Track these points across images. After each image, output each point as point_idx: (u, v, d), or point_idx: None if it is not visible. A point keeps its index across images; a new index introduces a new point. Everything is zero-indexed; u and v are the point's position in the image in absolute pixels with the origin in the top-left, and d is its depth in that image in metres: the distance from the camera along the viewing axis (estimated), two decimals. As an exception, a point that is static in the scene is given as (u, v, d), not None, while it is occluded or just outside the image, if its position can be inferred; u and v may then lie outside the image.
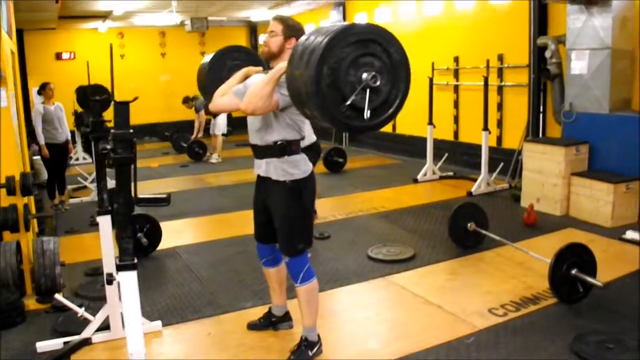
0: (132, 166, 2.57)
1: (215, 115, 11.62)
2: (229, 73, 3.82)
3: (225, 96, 3.53)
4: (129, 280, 2.64)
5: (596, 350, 3.54)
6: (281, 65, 3.19)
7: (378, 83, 2.62)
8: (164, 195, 2.75)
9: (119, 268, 2.62)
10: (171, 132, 14.09)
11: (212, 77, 3.94)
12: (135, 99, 2.50)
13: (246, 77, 3.62)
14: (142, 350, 2.71)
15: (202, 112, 12.04)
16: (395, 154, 11.69)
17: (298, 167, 3.46)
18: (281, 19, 3.50)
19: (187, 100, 13.20)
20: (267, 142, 3.45)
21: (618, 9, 6.60)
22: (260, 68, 3.70)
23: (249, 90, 3.30)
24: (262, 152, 3.51)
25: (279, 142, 3.41)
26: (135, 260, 2.66)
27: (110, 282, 2.65)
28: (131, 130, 2.52)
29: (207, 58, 4.05)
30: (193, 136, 12.44)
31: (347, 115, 2.65)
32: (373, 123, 2.73)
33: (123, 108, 2.51)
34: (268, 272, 3.91)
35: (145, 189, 7.98)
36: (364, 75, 2.60)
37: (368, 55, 2.63)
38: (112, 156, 2.51)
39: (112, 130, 2.50)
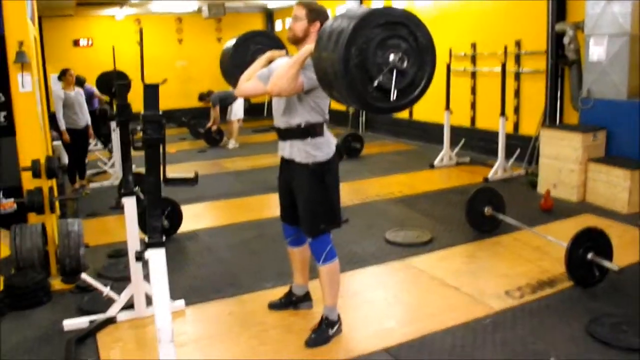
0: (161, 147, 2.65)
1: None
2: (252, 57, 3.88)
3: (251, 81, 3.59)
4: (157, 258, 2.73)
5: (611, 332, 3.60)
6: (307, 47, 3.26)
7: (405, 65, 2.66)
8: (192, 176, 2.82)
9: (148, 246, 2.71)
10: (188, 118, 14.17)
11: (235, 61, 3.99)
12: (165, 81, 2.57)
13: (270, 61, 3.68)
14: (170, 327, 2.79)
15: (217, 107, 12.05)
16: (412, 140, 11.70)
17: (321, 149, 3.52)
18: (305, 4, 3.55)
19: (203, 98, 13.27)
20: (291, 125, 3.52)
21: (638, -5, 6.57)
22: (284, 52, 3.76)
23: (274, 72, 3.37)
24: (286, 134, 3.57)
25: (303, 125, 3.48)
26: (164, 239, 2.74)
27: (139, 259, 2.73)
28: (160, 112, 2.59)
29: (231, 42, 4.10)
30: (208, 125, 12.47)
31: (374, 97, 2.69)
32: (399, 104, 2.78)
33: (152, 90, 2.59)
34: (292, 251, 3.99)
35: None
36: (391, 57, 2.64)
37: (395, 37, 2.67)
38: (142, 137, 2.59)
39: (142, 112, 2.58)
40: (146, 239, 2.73)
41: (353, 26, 2.57)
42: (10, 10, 4.69)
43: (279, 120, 3.61)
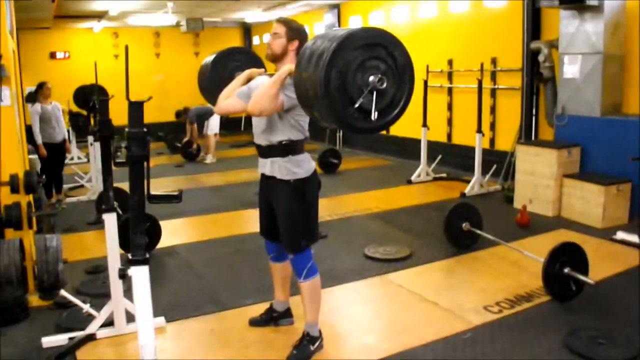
0: (146, 164, 2.66)
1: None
2: (231, 75, 3.90)
3: (230, 99, 3.61)
4: (141, 275, 2.72)
5: (588, 345, 3.66)
6: (286, 67, 3.30)
7: (384, 85, 2.71)
8: (175, 193, 2.83)
9: (132, 262, 2.70)
10: (165, 132, 14.13)
11: (213, 78, 4.01)
12: (149, 98, 2.59)
13: (249, 79, 3.70)
14: (153, 344, 2.79)
15: (195, 125, 12.05)
16: (389, 155, 11.80)
17: (302, 166, 3.55)
18: (284, 21, 3.59)
19: (179, 115, 13.23)
20: (272, 142, 3.54)
21: (610, 15, 6.76)
22: (263, 70, 3.78)
23: (255, 92, 3.39)
24: (267, 151, 3.59)
25: (283, 142, 3.50)
26: (147, 256, 2.74)
27: (123, 276, 2.72)
28: (145, 129, 2.61)
29: (209, 59, 4.12)
30: (185, 139, 12.41)
31: (354, 117, 2.74)
32: (379, 124, 2.82)
33: (137, 107, 2.59)
34: (274, 266, 4.00)
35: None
36: (371, 78, 2.69)
37: (374, 58, 2.72)
38: (127, 154, 2.60)
39: (126, 129, 2.58)
40: (129, 256, 2.72)
41: (333, 49, 2.62)
42: (-10, 23, 4.65)
43: (260, 138, 3.63)
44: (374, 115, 2.72)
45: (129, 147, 2.59)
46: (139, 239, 2.71)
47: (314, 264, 3.62)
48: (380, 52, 2.75)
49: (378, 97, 2.72)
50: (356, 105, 2.69)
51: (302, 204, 3.56)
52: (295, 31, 3.56)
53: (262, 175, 3.73)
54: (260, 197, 3.83)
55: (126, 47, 2.56)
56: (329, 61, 2.60)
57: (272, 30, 3.59)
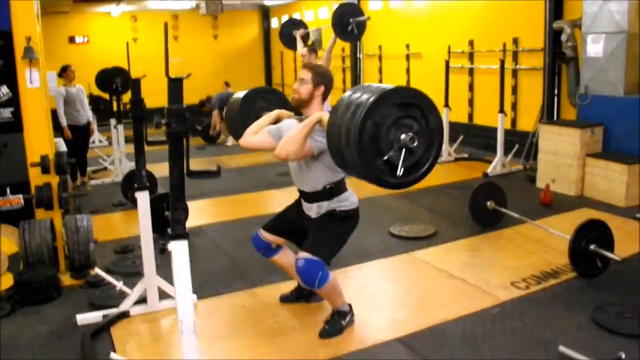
0: (185, 140, 2.71)
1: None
2: (258, 113, 3.99)
3: (259, 135, 3.68)
4: (181, 249, 2.78)
5: (615, 320, 3.70)
6: (316, 114, 3.40)
7: (415, 145, 2.77)
8: (214, 169, 2.89)
9: (172, 237, 2.76)
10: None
11: (242, 112, 4.06)
12: (189, 75, 2.64)
13: (278, 119, 3.78)
14: (192, 318, 2.85)
15: (217, 111, 12.09)
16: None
17: (348, 200, 3.69)
18: (310, 67, 3.69)
19: (203, 104, 13.25)
20: (317, 189, 3.65)
21: (634, -7, 6.68)
22: (292, 113, 3.82)
23: (284, 137, 3.46)
24: (312, 197, 3.70)
25: (327, 187, 3.61)
26: (187, 230, 2.80)
27: (163, 251, 2.79)
28: (184, 106, 2.66)
29: (240, 94, 4.18)
30: (211, 132, 12.47)
31: (381, 169, 2.80)
32: (404, 180, 2.88)
33: (177, 84, 2.65)
34: (273, 261, 4.04)
35: (164, 170, 8.15)
36: (403, 136, 2.76)
37: (409, 117, 2.79)
38: (167, 130, 2.65)
39: (167, 106, 2.64)
40: (169, 230, 2.78)
41: (372, 100, 2.69)
42: (19, 5, 4.71)
43: (304, 186, 3.73)
44: (400, 171, 2.79)
45: (168, 124, 2.64)
46: (179, 214, 2.76)
47: (326, 272, 3.54)
48: (416, 113, 2.82)
49: (406, 154, 2.79)
50: (385, 158, 2.76)
51: (339, 226, 3.64)
52: (321, 76, 3.64)
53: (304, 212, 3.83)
54: (294, 207, 3.95)
55: (165, 25, 2.60)
56: (367, 111, 2.67)
57: (299, 76, 3.68)
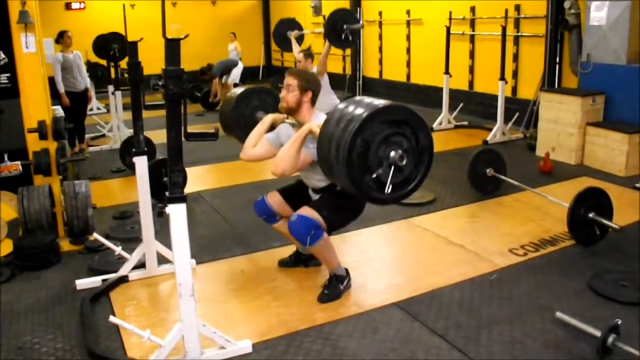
0: (183, 102, 2.68)
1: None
2: (252, 112, 4.04)
3: (260, 146, 3.73)
4: (179, 212, 2.78)
5: (612, 287, 3.72)
6: (305, 127, 3.39)
7: (404, 162, 2.79)
8: (212, 131, 2.87)
9: (170, 200, 2.75)
10: (184, 81, 14.11)
11: (235, 112, 4.07)
12: (186, 36, 2.60)
13: (272, 125, 3.78)
14: (191, 281, 2.86)
15: (217, 79, 12.02)
16: (410, 103, 11.59)
17: None
18: (296, 74, 3.67)
19: (204, 72, 13.16)
20: (322, 186, 3.71)
21: (640, -41, 6.58)
22: (285, 116, 3.78)
23: (277, 154, 3.49)
24: (320, 190, 3.76)
25: (333, 183, 3.57)
26: (185, 193, 2.79)
27: (161, 214, 2.78)
28: (182, 67, 2.62)
29: (235, 92, 4.17)
30: (211, 99, 12.41)
31: (369, 186, 2.82)
32: (392, 197, 2.91)
33: (174, 45, 2.61)
34: (275, 228, 4.03)
35: (162, 136, 8.14)
36: (392, 153, 2.78)
37: (399, 135, 2.81)
38: (164, 92, 2.62)
39: (163, 67, 2.60)
40: (167, 194, 2.77)
41: (363, 118, 2.70)
42: (13, -31, 4.63)
43: (310, 183, 3.81)
44: (388, 189, 2.81)
45: (165, 85, 2.61)
46: (177, 176, 2.75)
47: (320, 230, 3.54)
48: (406, 130, 2.83)
49: (395, 172, 2.81)
50: (373, 176, 2.77)
51: (346, 200, 3.59)
52: (308, 82, 3.62)
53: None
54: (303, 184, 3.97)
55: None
56: (357, 129, 2.68)
57: (285, 82, 3.64)
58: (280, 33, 7.70)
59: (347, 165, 2.73)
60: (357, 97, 3.03)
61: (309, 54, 6.62)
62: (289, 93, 3.60)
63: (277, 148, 3.59)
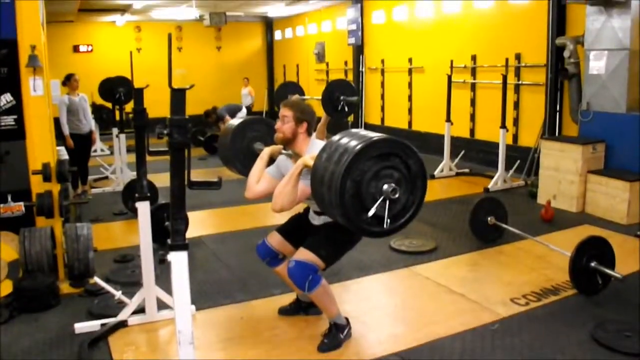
0: (187, 151, 2.72)
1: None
2: (250, 143, 4.08)
3: (263, 182, 3.71)
4: (180, 260, 2.78)
5: (615, 338, 3.68)
6: (299, 162, 3.36)
7: (397, 195, 2.77)
8: (216, 180, 2.89)
9: (172, 248, 2.76)
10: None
11: (233, 147, 4.13)
12: (191, 86, 2.64)
13: (271, 157, 3.78)
14: (190, 329, 2.84)
15: (227, 117, 12.16)
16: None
17: None
18: (291, 105, 3.69)
19: (208, 115, 13.34)
20: None
21: (637, 11, 6.70)
22: (281, 147, 3.78)
23: (275, 191, 3.46)
24: (319, 212, 3.72)
25: None
26: (187, 241, 2.80)
27: (162, 261, 2.78)
28: (187, 117, 2.66)
29: (231, 124, 4.24)
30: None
31: (367, 223, 2.81)
32: (391, 228, 2.88)
33: (179, 95, 2.65)
34: (277, 271, 4.01)
35: (166, 180, 8.18)
36: (385, 187, 2.75)
37: (389, 168, 2.79)
38: (168, 141, 2.65)
39: (169, 116, 2.64)
40: (169, 241, 2.78)
41: (347, 162, 2.67)
42: (24, 14, 4.73)
43: (312, 205, 3.78)
44: (387, 224, 2.80)
45: (170, 134, 2.64)
46: (179, 224, 2.76)
47: (317, 276, 3.54)
48: (395, 161, 2.81)
49: (391, 204, 2.79)
50: (370, 214, 2.76)
51: (342, 234, 3.56)
52: (303, 113, 3.63)
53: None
54: (301, 215, 3.97)
55: (169, 36, 2.62)
56: (344, 173, 2.66)
57: (280, 113, 3.67)
58: (282, 97, 7.70)
59: (341, 208, 2.71)
60: (338, 137, 2.95)
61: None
62: (284, 124, 3.61)
63: (279, 180, 3.55)
